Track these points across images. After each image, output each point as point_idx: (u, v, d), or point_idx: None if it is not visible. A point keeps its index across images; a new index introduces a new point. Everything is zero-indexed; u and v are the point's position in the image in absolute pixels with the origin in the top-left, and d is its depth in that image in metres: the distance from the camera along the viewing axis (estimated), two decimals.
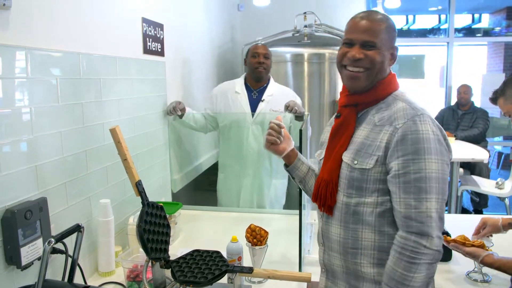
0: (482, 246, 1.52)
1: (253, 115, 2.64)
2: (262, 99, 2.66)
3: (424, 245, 1.12)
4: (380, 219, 1.22)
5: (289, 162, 1.48)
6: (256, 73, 2.65)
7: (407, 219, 1.14)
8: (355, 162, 1.23)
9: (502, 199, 4.10)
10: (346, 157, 1.26)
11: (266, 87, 2.71)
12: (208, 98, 2.82)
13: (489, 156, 4.45)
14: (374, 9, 5.08)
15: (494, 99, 1.66)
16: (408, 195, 1.14)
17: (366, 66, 1.25)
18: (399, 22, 7.48)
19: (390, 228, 1.22)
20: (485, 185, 4.15)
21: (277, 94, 2.68)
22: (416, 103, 1.24)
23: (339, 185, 1.28)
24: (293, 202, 3.31)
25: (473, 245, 1.52)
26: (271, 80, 2.76)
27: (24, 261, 1.29)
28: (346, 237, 1.27)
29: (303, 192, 1.64)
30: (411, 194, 1.14)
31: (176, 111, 2.41)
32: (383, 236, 1.23)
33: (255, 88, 2.71)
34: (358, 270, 1.27)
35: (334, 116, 1.40)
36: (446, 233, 1.64)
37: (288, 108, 2.43)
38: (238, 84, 2.73)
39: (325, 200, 1.30)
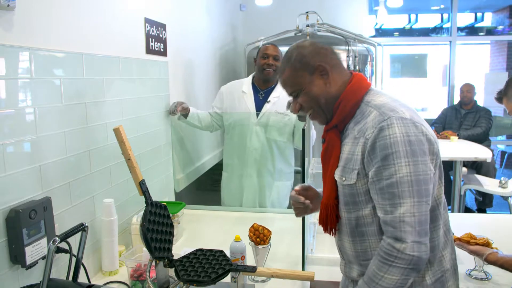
0: (487, 244, 1.52)
1: (258, 115, 2.64)
2: (268, 100, 2.65)
3: (397, 249, 1.11)
4: (382, 227, 1.21)
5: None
6: (264, 74, 2.63)
7: (384, 224, 1.15)
8: (343, 179, 1.23)
9: (505, 198, 4.09)
10: (337, 175, 1.26)
11: (273, 88, 2.69)
12: (216, 96, 2.82)
13: (493, 155, 4.44)
14: (376, 8, 5.08)
15: (499, 99, 1.66)
16: (384, 201, 1.14)
17: (308, 107, 1.31)
18: (401, 21, 7.48)
19: None
20: (488, 184, 4.15)
21: (284, 96, 2.67)
22: (387, 105, 1.19)
23: (340, 203, 1.28)
24: None
25: (477, 244, 1.52)
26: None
27: (28, 260, 1.29)
28: (357, 250, 1.28)
29: None
30: (386, 200, 1.14)
31: (175, 111, 2.41)
32: None
33: (263, 88, 2.70)
34: None
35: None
36: None
37: (291, 105, 2.42)
38: (246, 84, 2.72)
39: (326, 222, 1.32)
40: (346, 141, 1.26)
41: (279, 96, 2.65)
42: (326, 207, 1.30)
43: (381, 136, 1.13)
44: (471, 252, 1.52)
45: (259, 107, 2.65)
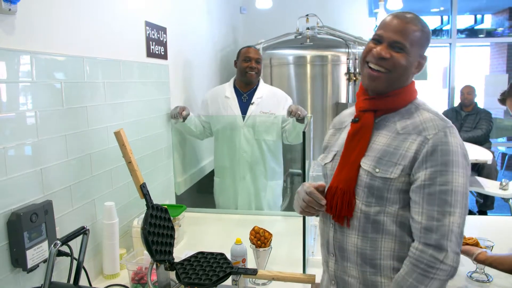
0: (476, 244, 1.54)
1: (244, 118, 2.65)
2: (252, 102, 2.67)
3: (440, 260, 1.07)
4: (402, 229, 1.17)
5: None
6: (247, 77, 2.65)
7: (427, 231, 1.10)
8: (377, 170, 1.17)
9: (506, 200, 4.08)
10: (366, 164, 1.19)
11: (255, 89, 2.71)
12: (200, 104, 2.83)
13: (494, 157, 4.44)
14: (376, 10, 5.09)
15: (502, 100, 1.66)
16: (432, 207, 1.10)
17: (389, 67, 1.20)
18: None
19: (411, 238, 1.17)
20: (489, 186, 4.14)
21: (267, 95, 2.69)
22: (440, 113, 1.20)
23: (356, 193, 1.21)
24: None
25: (467, 244, 1.53)
26: (261, 82, 2.76)
27: (30, 264, 1.30)
28: (364, 247, 1.21)
29: None
30: (434, 206, 1.10)
31: (179, 117, 2.42)
32: (404, 245, 1.18)
33: (245, 91, 2.72)
34: (378, 282, 1.21)
35: (334, 121, 1.40)
36: None
37: (292, 113, 2.43)
38: (228, 89, 2.74)
39: (341, 210, 1.22)
40: (381, 132, 1.22)
41: (262, 96, 2.68)
42: (344, 193, 1.22)
43: (444, 141, 1.12)
44: (461, 252, 1.53)
45: (244, 110, 2.67)
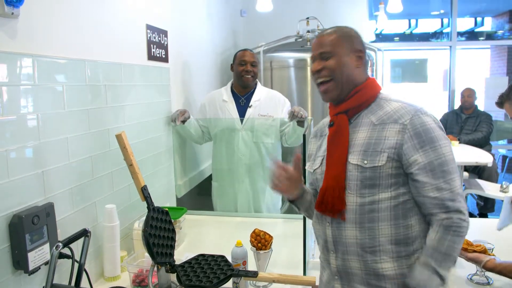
0: (484, 251, 1.53)
1: (242, 121, 2.65)
2: (249, 105, 2.68)
3: (464, 220, 1.21)
4: (395, 212, 1.26)
5: (294, 198, 1.49)
6: (243, 81, 2.66)
7: (444, 201, 1.21)
8: (365, 162, 1.26)
9: None
10: (354, 159, 1.28)
11: (253, 92, 2.72)
12: (199, 108, 2.84)
13: (495, 160, 4.43)
14: (376, 13, 5.10)
15: (500, 103, 1.66)
16: (437, 180, 1.21)
17: (328, 74, 1.32)
18: (401, 26, 7.50)
19: (404, 219, 1.26)
20: (490, 189, 4.14)
21: (265, 98, 2.70)
22: (406, 100, 1.32)
23: (348, 188, 1.29)
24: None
25: (474, 251, 1.53)
26: (258, 84, 2.77)
27: (31, 266, 1.30)
28: (363, 238, 1.27)
29: None
30: (439, 178, 1.21)
31: (177, 119, 2.43)
32: (399, 228, 1.26)
33: (242, 94, 2.72)
34: (379, 268, 1.27)
35: (314, 130, 1.50)
36: None
37: (294, 114, 2.43)
38: (225, 93, 2.74)
39: (333, 204, 1.30)
40: (359, 128, 1.31)
41: (260, 99, 2.69)
42: (334, 189, 1.29)
43: (421, 122, 1.23)
44: (469, 259, 1.53)
45: (242, 113, 2.67)
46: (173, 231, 1.45)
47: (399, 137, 1.23)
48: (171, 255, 1.40)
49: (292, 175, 1.41)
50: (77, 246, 1.37)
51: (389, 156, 1.24)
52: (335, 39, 1.34)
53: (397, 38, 7.40)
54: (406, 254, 1.26)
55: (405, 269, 1.26)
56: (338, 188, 1.29)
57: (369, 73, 3.69)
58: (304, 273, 1.69)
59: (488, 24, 7.89)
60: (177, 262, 1.40)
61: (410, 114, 1.25)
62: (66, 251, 1.31)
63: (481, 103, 5.81)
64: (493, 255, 1.53)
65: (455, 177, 1.22)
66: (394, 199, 1.25)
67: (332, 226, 1.33)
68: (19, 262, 1.28)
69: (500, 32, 7.82)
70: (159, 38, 2.32)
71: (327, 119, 1.48)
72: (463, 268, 1.68)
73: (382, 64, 4.13)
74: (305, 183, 1.60)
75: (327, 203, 1.31)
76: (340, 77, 1.32)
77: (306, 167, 1.49)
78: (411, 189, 1.26)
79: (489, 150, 4.65)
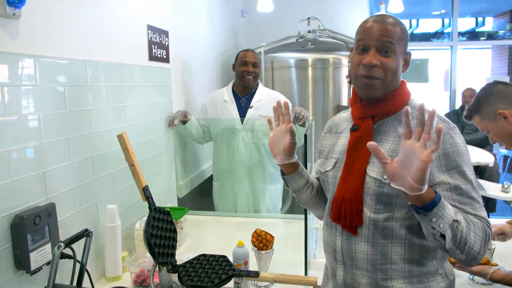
0: (487, 262, 1.52)
1: (242, 121, 2.65)
2: (250, 105, 2.67)
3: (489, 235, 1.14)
4: (410, 232, 1.19)
5: (287, 172, 1.40)
6: (244, 82, 2.66)
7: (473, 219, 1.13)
8: (385, 177, 1.15)
9: (507, 202, 4.07)
10: (373, 171, 1.19)
11: (254, 93, 2.71)
12: (200, 108, 2.84)
13: (496, 160, 4.42)
14: (378, 13, 5.10)
15: (469, 117, 1.65)
16: (465, 206, 1.14)
17: (381, 73, 1.18)
18: None
19: (420, 239, 1.19)
20: (491, 189, 4.13)
21: (266, 99, 2.70)
22: (441, 115, 1.22)
23: (365, 202, 1.20)
24: (296, 207, 3.31)
25: (479, 264, 1.52)
26: (259, 85, 2.76)
27: (33, 266, 1.30)
28: (374, 254, 1.21)
29: None
30: (467, 205, 1.14)
31: (171, 125, 2.43)
32: (413, 248, 1.19)
33: (243, 94, 2.72)
34: (388, 287, 1.21)
35: (329, 124, 1.42)
36: None
37: (298, 117, 2.43)
38: (226, 93, 2.74)
39: (351, 220, 1.21)
40: (383, 137, 1.22)
41: (261, 100, 2.69)
42: (352, 203, 1.21)
43: (452, 143, 1.16)
44: (474, 273, 1.52)
45: (242, 113, 2.67)
46: (175, 231, 1.45)
47: None
48: (173, 255, 1.40)
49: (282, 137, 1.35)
50: (78, 246, 1.37)
51: None
52: (400, 34, 1.20)
53: None
54: (418, 274, 1.20)
55: None
56: (357, 202, 1.21)
57: None
58: (306, 273, 1.69)
59: (489, 24, 7.89)
60: (179, 262, 1.40)
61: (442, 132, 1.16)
62: (67, 251, 1.31)
63: None
64: (496, 265, 1.52)
65: (479, 200, 1.16)
66: (409, 219, 1.18)
67: (342, 238, 1.26)
68: (21, 262, 1.28)
69: (501, 32, 7.81)
70: (160, 39, 2.32)
71: (344, 114, 1.40)
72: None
73: None
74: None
75: (345, 217, 1.23)
76: (390, 79, 1.20)
77: (316, 165, 1.41)
78: None
79: (490, 150, 4.65)
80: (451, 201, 1.13)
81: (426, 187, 1.01)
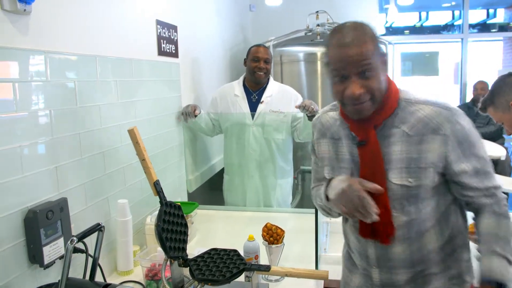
0: None
1: (253, 116, 2.64)
2: (261, 100, 2.66)
3: (507, 205, 1.21)
4: (439, 219, 1.23)
5: None
6: (256, 77, 2.64)
7: (490, 191, 1.20)
8: (410, 180, 1.17)
9: None
10: (396, 178, 1.18)
11: (265, 88, 2.70)
12: (209, 101, 2.84)
13: (508, 154, 4.37)
14: (387, 6, 5.05)
15: (483, 109, 1.65)
16: (483, 183, 1.20)
17: (367, 96, 1.14)
18: (412, 19, 7.42)
19: (446, 222, 1.24)
20: (503, 183, 4.07)
21: (277, 94, 2.68)
22: (433, 99, 1.21)
23: (393, 208, 1.20)
24: (306, 201, 3.31)
25: None
26: (271, 80, 2.75)
27: (46, 260, 1.32)
28: (411, 251, 1.23)
29: None
30: (484, 180, 1.20)
31: (191, 115, 2.44)
32: (443, 231, 1.24)
33: (254, 89, 2.71)
34: (428, 274, 1.25)
35: (320, 128, 1.35)
36: None
37: (305, 107, 2.41)
38: (237, 87, 2.73)
39: (386, 233, 1.21)
40: (390, 139, 1.19)
41: (272, 95, 2.67)
42: (383, 216, 1.18)
43: (461, 129, 1.17)
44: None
45: (253, 108, 2.67)
46: (186, 225, 1.45)
47: (442, 149, 1.16)
48: (184, 249, 1.40)
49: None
50: (90, 241, 1.38)
51: (435, 171, 1.17)
52: (371, 43, 1.12)
53: (408, 31, 7.31)
54: (450, 251, 1.25)
55: (450, 264, 1.25)
56: (387, 214, 1.19)
57: None
58: (316, 267, 1.69)
59: (501, 16, 7.76)
60: (189, 257, 1.41)
61: (448, 122, 1.15)
62: (79, 245, 1.32)
63: None
64: None
65: (493, 173, 1.22)
66: (436, 208, 1.22)
67: (376, 245, 1.26)
68: (35, 256, 1.30)
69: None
70: (169, 34, 2.32)
71: (331, 113, 1.34)
72: None
73: (392, 57, 4.09)
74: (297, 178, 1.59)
75: (378, 231, 1.22)
76: (379, 95, 1.16)
77: (326, 175, 1.33)
78: (453, 191, 1.22)
79: (502, 144, 4.59)
80: (473, 182, 1.18)
81: None
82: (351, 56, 1.11)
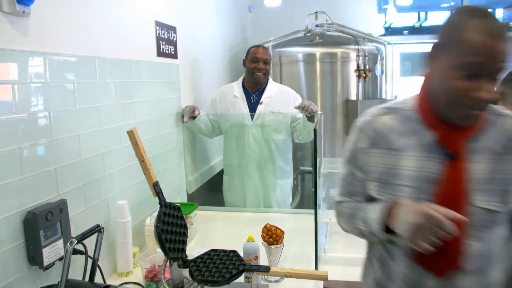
0: None
1: (252, 117, 2.65)
2: (260, 101, 2.67)
3: None
4: (508, 243, 1.09)
5: None
6: (255, 78, 2.65)
7: None
8: (496, 204, 1.02)
9: None
10: (482, 202, 1.02)
11: (264, 88, 2.70)
12: (209, 102, 2.84)
13: None
14: (385, 6, 5.05)
15: (493, 102, 1.64)
16: None
17: (487, 107, 1.01)
18: (411, 19, 7.42)
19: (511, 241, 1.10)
20: None
21: (276, 94, 2.69)
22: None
23: (469, 235, 1.04)
24: (305, 201, 3.32)
25: None
26: (270, 81, 2.75)
27: (46, 262, 1.32)
28: (480, 281, 1.06)
29: (317, 191, 1.64)
30: None
31: (186, 115, 2.44)
32: (510, 252, 1.10)
33: (253, 90, 2.71)
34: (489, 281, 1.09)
35: (370, 137, 1.14)
36: None
37: (304, 108, 2.41)
38: (236, 88, 2.73)
39: (453, 264, 1.04)
40: (479, 156, 1.04)
41: (271, 96, 2.67)
42: (456, 241, 1.02)
43: None
44: None
45: (252, 109, 2.67)
46: (185, 226, 1.45)
47: None
48: (183, 250, 1.41)
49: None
50: (90, 242, 1.38)
51: None
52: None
53: (407, 31, 7.32)
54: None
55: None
56: (462, 243, 1.03)
57: (378, 67, 3.68)
58: (316, 268, 1.69)
59: (499, 16, 7.77)
60: (189, 258, 1.41)
61: None
62: (79, 247, 1.32)
63: None
64: None
65: None
66: (505, 231, 1.08)
67: (437, 279, 1.07)
68: (34, 258, 1.30)
69: (511, 24, 7.70)
70: (168, 35, 2.32)
71: (388, 120, 1.13)
72: None
73: (391, 58, 4.09)
74: (316, 177, 1.59)
75: (444, 262, 1.04)
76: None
77: (371, 191, 1.14)
78: None
79: None
80: None
81: None
82: (498, 53, 0.95)
